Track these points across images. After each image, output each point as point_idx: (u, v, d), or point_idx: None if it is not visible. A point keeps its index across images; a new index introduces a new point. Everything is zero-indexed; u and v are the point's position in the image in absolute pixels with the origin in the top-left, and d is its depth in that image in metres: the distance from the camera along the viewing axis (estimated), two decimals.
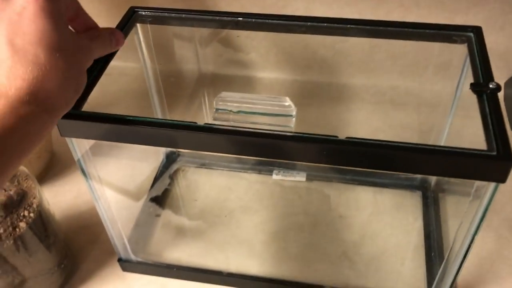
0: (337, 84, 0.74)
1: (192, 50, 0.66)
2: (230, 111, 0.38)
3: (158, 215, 0.59)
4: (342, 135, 0.70)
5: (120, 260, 0.54)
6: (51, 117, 0.32)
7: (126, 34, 0.48)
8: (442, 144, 0.55)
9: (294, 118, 0.38)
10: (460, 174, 0.35)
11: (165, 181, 0.62)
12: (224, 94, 0.38)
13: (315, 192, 0.61)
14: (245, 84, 0.76)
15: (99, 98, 0.42)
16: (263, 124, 0.38)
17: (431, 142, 0.61)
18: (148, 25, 0.51)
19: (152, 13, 0.50)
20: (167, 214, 0.59)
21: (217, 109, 0.38)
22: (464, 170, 0.35)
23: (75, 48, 0.34)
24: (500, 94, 0.69)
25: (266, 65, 0.76)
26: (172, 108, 0.63)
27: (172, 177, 0.63)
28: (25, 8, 0.32)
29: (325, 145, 0.35)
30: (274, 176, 0.63)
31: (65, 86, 0.33)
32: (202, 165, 0.64)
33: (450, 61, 0.50)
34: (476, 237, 0.40)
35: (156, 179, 0.62)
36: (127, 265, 0.54)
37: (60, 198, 0.62)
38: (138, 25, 0.51)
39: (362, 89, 0.73)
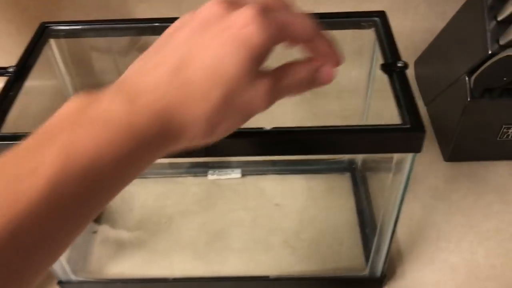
0: None
1: (112, 60, 0.65)
2: None
3: (94, 232, 0.58)
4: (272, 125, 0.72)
5: (60, 282, 0.52)
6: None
7: (38, 51, 0.47)
8: (364, 122, 0.58)
9: None
10: (379, 149, 0.38)
11: None
12: None
13: (251, 186, 0.62)
14: None
15: (20, 120, 0.41)
16: None
17: (354, 121, 0.64)
18: (62, 40, 0.50)
19: (65, 27, 0.49)
20: (104, 229, 0.58)
21: None
22: (382, 145, 0.37)
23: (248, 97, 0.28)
24: (411, 73, 0.75)
25: None
26: None
27: None
28: (241, 29, 0.26)
29: (254, 138, 0.36)
30: (210, 177, 0.63)
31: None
32: None
33: (361, 46, 0.53)
34: (401, 207, 0.43)
35: None
36: (68, 286, 0.52)
37: None
38: (52, 40, 0.49)
39: None
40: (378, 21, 0.47)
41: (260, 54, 0.27)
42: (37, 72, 0.45)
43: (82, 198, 0.23)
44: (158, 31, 0.49)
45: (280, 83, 0.30)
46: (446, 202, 0.59)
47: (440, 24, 0.67)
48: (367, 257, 0.54)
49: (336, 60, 0.32)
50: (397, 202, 0.43)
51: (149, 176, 0.63)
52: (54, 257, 0.24)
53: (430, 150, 0.65)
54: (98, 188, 0.24)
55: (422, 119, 0.36)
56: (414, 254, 0.55)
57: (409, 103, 0.38)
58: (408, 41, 0.73)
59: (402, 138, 0.37)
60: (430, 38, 0.70)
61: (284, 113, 0.72)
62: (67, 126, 0.23)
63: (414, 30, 0.72)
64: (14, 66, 0.43)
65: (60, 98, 0.57)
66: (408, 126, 0.36)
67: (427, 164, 0.64)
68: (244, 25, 0.26)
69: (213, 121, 0.27)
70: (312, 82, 0.32)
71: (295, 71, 0.31)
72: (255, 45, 0.26)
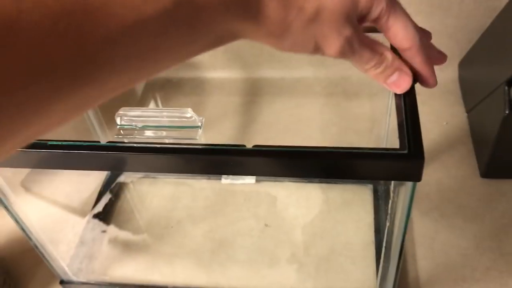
0: (288, 79, 0.72)
1: None
2: (135, 126, 0.36)
3: (104, 231, 0.58)
4: (294, 130, 0.68)
5: (62, 282, 0.52)
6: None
7: None
8: (386, 130, 0.53)
9: (201, 129, 0.36)
10: (372, 176, 0.34)
11: (109, 194, 0.60)
12: (123, 110, 0.36)
13: (265, 193, 0.59)
14: (195, 86, 0.74)
15: None
16: (169, 138, 0.36)
17: (378, 130, 0.59)
18: None
19: None
20: (113, 229, 0.58)
21: (120, 126, 0.36)
22: (376, 172, 0.33)
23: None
24: (455, 75, 0.68)
25: (214, 66, 0.74)
26: None
27: (117, 190, 0.61)
28: None
29: (229, 156, 0.33)
30: (224, 181, 0.61)
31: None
32: (148, 175, 0.63)
33: None
34: (405, 233, 0.38)
35: (100, 194, 0.61)
36: (70, 287, 0.52)
37: (1, 221, 0.61)
38: None
39: (314, 82, 0.71)
40: None
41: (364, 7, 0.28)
42: None
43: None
44: None
45: (361, 46, 0.30)
46: (476, 224, 0.53)
47: (488, 22, 0.60)
48: (380, 281, 0.49)
49: (425, 79, 0.33)
50: (401, 230, 0.38)
51: (163, 177, 0.62)
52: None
53: (466, 164, 0.59)
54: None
55: (423, 145, 0.32)
56: (434, 281, 0.50)
57: (412, 124, 0.34)
58: (451, 40, 0.66)
59: (398, 165, 0.32)
60: (476, 37, 0.63)
61: (310, 115, 0.68)
62: None
63: (458, 29, 0.65)
64: None
65: None
66: (405, 152, 0.32)
67: (460, 179, 0.58)
68: None
69: (289, 20, 0.26)
70: (381, 75, 0.33)
71: (380, 51, 0.31)
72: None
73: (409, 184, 0.34)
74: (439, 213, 0.55)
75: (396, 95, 0.36)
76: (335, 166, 0.33)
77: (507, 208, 0.54)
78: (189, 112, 0.35)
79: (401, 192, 0.36)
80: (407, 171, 0.32)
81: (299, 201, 0.58)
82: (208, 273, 0.53)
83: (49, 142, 0.35)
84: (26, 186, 0.61)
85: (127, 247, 0.56)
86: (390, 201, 0.36)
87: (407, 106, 0.35)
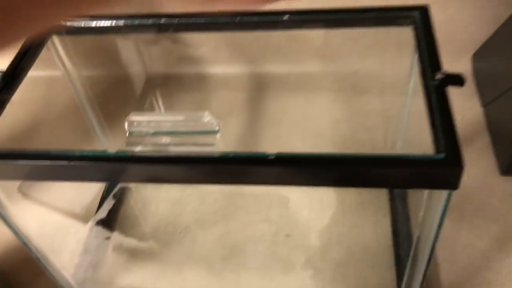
0: (294, 74, 0.70)
1: (133, 53, 0.61)
2: (146, 133, 0.34)
3: (107, 238, 0.55)
4: (303, 128, 0.65)
5: None
6: None
7: (38, 50, 0.43)
8: (403, 129, 0.51)
9: (218, 134, 0.33)
10: (406, 184, 0.31)
11: (112, 199, 0.58)
12: (134, 115, 0.33)
13: (276, 195, 0.57)
14: (197, 82, 0.71)
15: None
16: (184, 145, 0.33)
17: (393, 128, 0.57)
18: (66, 37, 0.46)
19: (68, 22, 0.45)
20: (117, 236, 0.55)
21: (130, 133, 0.34)
22: (410, 180, 0.30)
23: None
24: (468, 67, 0.66)
25: (217, 61, 0.71)
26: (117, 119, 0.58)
27: (120, 195, 0.58)
28: None
29: (251, 166, 0.31)
30: None
31: None
32: None
33: (401, 43, 0.46)
34: (438, 237, 0.36)
35: (103, 199, 0.58)
36: None
37: (3, 230, 0.58)
38: (55, 37, 0.46)
39: (322, 76, 0.69)
40: (417, 17, 0.39)
41: None
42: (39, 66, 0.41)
43: None
44: (183, 27, 0.45)
45: None
46: (499, 224, 0.51)
47: (506, 13, 0.58)
48: (399, 285, 0.47)
49: None
50: (432, 235, 0.36)
51: None
52: None
53: (485, 160, 0.57)
54: None
55: (461, 150, 0.29)
56: (457, 286, 0.48)
57: (447, 126, 0.31)
58: (466, 32, 0.64)
59: (434, 173, 0.30)
60: (493, 28, 0.61)
61: (319, 112, 0.65)
62: None
63: (474, 19, 0.63)
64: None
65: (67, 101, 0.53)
66: (442, 157, 0.29)
67: (480, 177, 0.55)
68: None
69: None
70: None
71: None
72: None
73: (444, 192, 0.31)
74: (459, 213, 0.53)
75: (425, 92, 0.34)
76: (368, 175, 0.30)
77: None
78: (206, 116, 0.33)
79: (433, 199, 0.33)
80: (444, 179, 0.30)
81: (313, 203, 0.55)
82: (220, 281, 0.50)
83: (52, 153, 0.32)
84: (23, 191, 0.59)
85: (133, 255, 0.53)
86: (422, 210, 0.34)
87: (439, 105, 0.33)
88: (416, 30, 0.39)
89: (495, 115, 0.58)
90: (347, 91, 0.66)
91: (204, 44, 0.70)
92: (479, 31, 0.63)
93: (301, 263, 0.51)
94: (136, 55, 0.62)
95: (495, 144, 0.57)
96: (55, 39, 0.46)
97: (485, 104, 0.61)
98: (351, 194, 0.56)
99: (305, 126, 0.64)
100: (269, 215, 0.55)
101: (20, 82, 0.40)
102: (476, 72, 0.65)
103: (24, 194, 0.59)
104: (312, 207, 0.55)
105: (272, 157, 0.30)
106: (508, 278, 0.48)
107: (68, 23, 0.45)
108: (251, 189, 0.57)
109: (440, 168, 0.29)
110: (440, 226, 0.34)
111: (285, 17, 0.43)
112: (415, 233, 0.39)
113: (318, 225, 0.53)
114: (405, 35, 0.42)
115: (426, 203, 0.33)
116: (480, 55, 0.64)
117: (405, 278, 0.42)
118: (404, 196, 0.53)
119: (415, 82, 0.46)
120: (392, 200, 0.54)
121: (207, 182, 0.32)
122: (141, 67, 0.65)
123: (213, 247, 0.53)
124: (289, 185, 0.34)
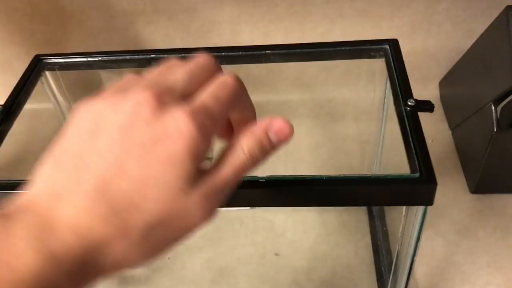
0: (274, 102, 0.73)
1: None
2: None
3: None
4: (283, 153, 0.68)
5: None
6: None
7: (33, 85, 0.45)
8: (379, 152, 0.54)
9: (212, 160, 0.36)
10: (384, 201, 0.34)
11: None
12: None
13: (260, 219, 0.59)
14: None
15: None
16: None
17: (369, 151, 0.60)
18: (58, 72, 0.48)
19: (61, 59, 0.47)
20: None
21: None
22: (387, 198, 0.33)
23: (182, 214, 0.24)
24: (436, 93, 0.70)
25: None
26: None
27: None
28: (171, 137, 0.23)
29: (242, 189, 0.33)
30: None
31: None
32: None
33: (374, 74, 0.49)
34: (416, 253, 0.39)
35: None
36: None
37: None
38: (47, 73, 0.48)
39: (300, 104, 0.72)
40: (388, 49, 0.43)
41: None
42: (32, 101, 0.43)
43: None
44: (156, 62, 0.48)
45: (220, 178, 0.26)
46: (471, 239, 0.55)
47: (467, 43, 0.62)
48: None
49: (281, 126, 0.27)
50: (412, 248, 0.39)
51: None
52: None
53: (455, 180, 0.60)
54: None
55: (433, 168, 0.33)
56: None
57: (420, 148, 0.34)
58: (432, 60, 0.69)
59: (412, 190, 0.33)
60: (456, 57, 0.65)
61: (298, 138, 0.68)
62: None
63: (438, 49, 0.68)
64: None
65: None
66: (418, 176, 0.33)
67: (450, 195, 0.59)
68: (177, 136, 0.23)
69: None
70: (265, 147, 0.27)
71: (238, 148, 0.27)
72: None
73: (420, 208, 0.34)
74: (433, 230, 0.56)
75: (398, 118, 0.37)
76: (353, 194, 0.33)
77: (499, 223, 0.56)
78: None
79: (411, 215, 0.36)
80: (420, 195, 0.33)
81: (296, 225, 0.58)
82: None
83: None
84: None
85: (124, 281, 0.55)
86: (401, 226, 0.37)
87: (412, 129, 0.36)
88: (387, 61, 0.43)
89: (463, 138, 0.62)
90: (325, 118, 0.70)
91: None
92: (445, 59, 0.68)
93: (288, 283, 0.53)
94: None
95: (464, 164, 0.61)
96: (48, 75, 0.48)
97: (453, 127, 0.65)
98: (332, 215, 0.58)
99: (285, 150, 0.67)
100: (255, 238, 0.57)
101: (17, 115, 0.42)
102: (443, 98, 0.69)
103: None
104: (296, 229, 0.57)
105: (263, 180, 0.33)
106: None
107: (60, 59, 0.47)
108: (236, 213, 0.60)
109: (417, 186, 0.32)
110: (418, 239, 0.37)
111: (266, 51, 0.46)
112: (395, 248, 0.42)
113: (302, 246, 0.56)
114: (377, 65, 0.46)
115: (404, 219, 0.36)
116: (446, 82, 0.68)
117: (389, 285, 0.45)
118: (382, 215, 0.56)
119: (388, 109, 0.50)
120: (371, 219, 0.57)
121: None
122: None
123: (202, 270, 0.55)
124: (278, 206, 0.36)
